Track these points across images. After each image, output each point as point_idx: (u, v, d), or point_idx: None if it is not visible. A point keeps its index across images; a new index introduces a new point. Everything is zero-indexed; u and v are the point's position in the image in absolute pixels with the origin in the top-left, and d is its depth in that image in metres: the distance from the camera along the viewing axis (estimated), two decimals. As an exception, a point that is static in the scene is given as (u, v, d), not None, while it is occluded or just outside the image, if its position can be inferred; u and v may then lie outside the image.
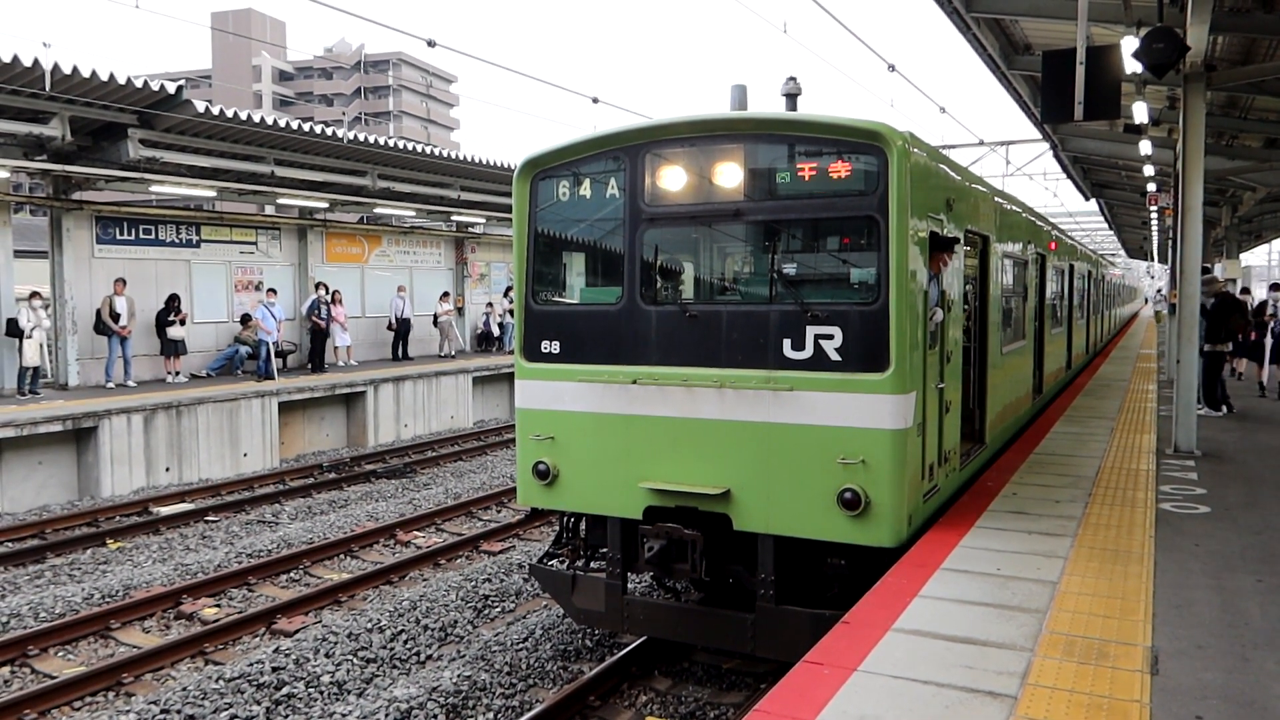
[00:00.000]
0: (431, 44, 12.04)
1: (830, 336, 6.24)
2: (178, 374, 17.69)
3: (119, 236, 17.50)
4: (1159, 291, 56.35)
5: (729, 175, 6.62)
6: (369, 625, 8.55)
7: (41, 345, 15.52)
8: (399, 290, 22.99)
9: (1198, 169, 10.13)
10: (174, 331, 17.51)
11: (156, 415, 14.73)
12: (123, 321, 16.60)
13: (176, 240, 18.58)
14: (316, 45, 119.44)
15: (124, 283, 16.77)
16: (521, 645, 8.12)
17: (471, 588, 9.64)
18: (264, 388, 16.89)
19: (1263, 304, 17.51)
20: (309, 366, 20.20)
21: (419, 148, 20.32)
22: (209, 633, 8.48)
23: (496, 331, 26.20)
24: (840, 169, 6.32)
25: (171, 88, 14.75)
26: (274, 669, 7.59)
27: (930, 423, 6.81)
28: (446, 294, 24.38)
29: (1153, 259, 54.59)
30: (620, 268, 6.96)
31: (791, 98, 7.46)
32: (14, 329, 15.25)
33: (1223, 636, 4.83)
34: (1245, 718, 3.93)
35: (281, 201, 19.80)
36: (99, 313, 16.51)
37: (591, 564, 7.66)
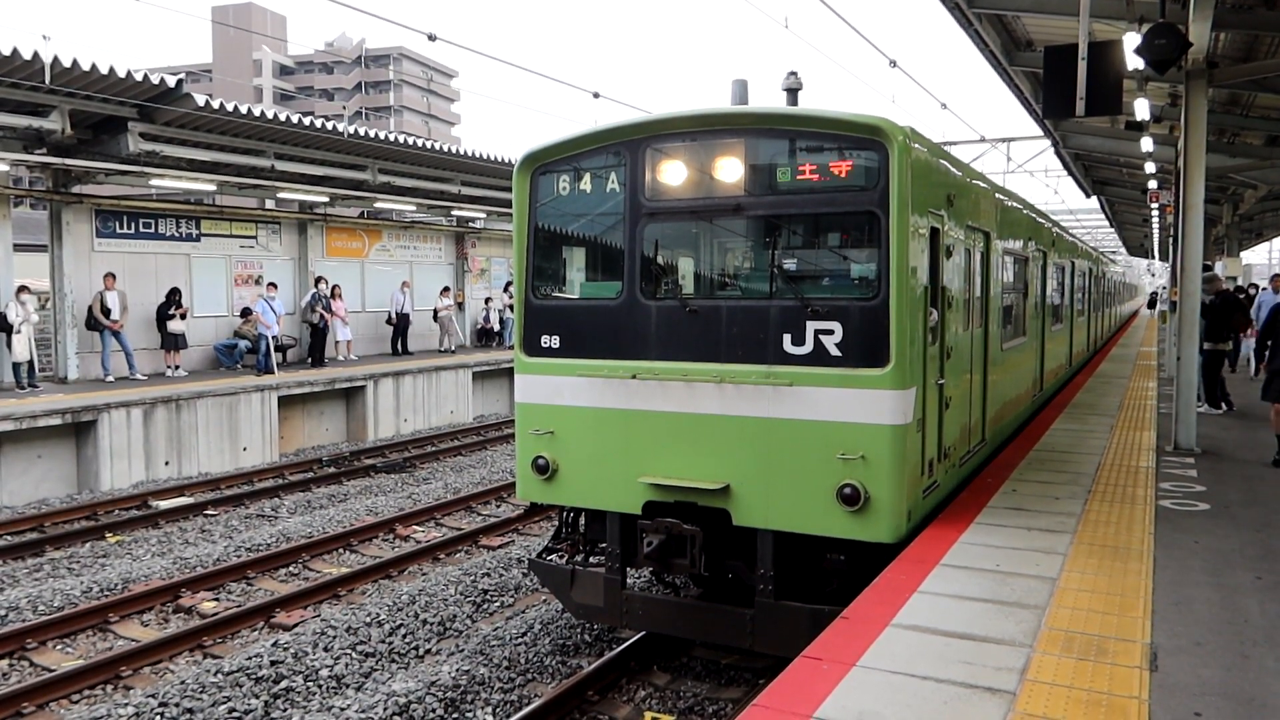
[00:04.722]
0: (432, 38, 12.01)
1: (830, 332, 6.23)
2: (178, 368, 17.69)
3: (119, 230, 17.48)
4: (1158, 292, 56.21)
5: (729, 170, 6.61)
6: (368, 619, 8.55)
7: (30, 340, 15.45)
8: (402, 285, 23.00)
9: (1199, 166, 10.11)
10: (174, 325, 17.50)
11: (156, 409, 14.72)
12: (114, 316, 16.55)
13: (176, 234, 18.56)
14: (317, 39, 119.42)
15: (114, 277, 16.71)
16: (520, 640, 8.12)
17: (470, 582, 9.64)
18: (263, 382, 16.88)
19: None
20: (309, 361, 20.19)
21: (420, 142, 20.31)
22: (207, 626, 8.48)
23: (497, 326, 26.20)
24: (841, 164, 6.30)
25: (172, 81, 14.72)
26: (272, 663, 7.58)
27: (930, 419, 6.80)
28: (447, 289, 24.37)
29: (1153, 256, 54.56)
30: (620, 262, 6.94)
31: (792, 92, 7.46)
32: (3, 324, 15.21)
33: (1222, 634, 4.82)
34: (1244, 715, 3.92)
35: (282, 196, 19.80)
36: (90, 309, 16.45)
37: (590, 559, 7.65)
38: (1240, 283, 23.28)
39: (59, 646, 8.32)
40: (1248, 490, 8.32)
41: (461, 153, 20.94)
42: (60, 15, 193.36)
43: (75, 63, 13.32)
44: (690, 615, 7.13)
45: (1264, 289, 18.22)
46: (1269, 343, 9.86)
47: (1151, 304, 60.83)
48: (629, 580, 7.43)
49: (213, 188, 18.25)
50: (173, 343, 17.61)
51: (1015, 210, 10.32)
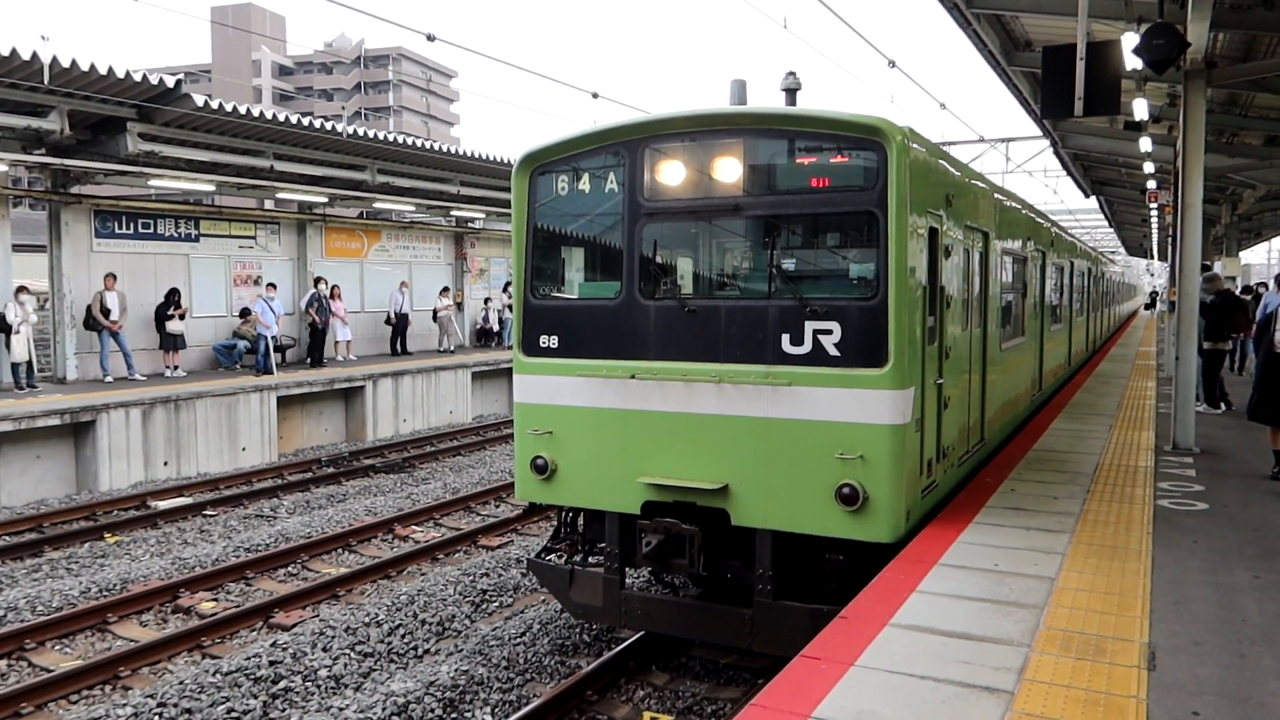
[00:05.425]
0: (431, 38, 12.00)
1: (829, 332, 6.24)
2: (176, 368, 17.68)
3: (118, 230, 17.46)
4: (1157, 292, 56.15)
5: (728, 170, 6.61)
6: (366, 619, 8.55)
7: (29, 340, 15.44)
8: (401, 285, 23.00)
9: (1198, 166, 10.12)
10: (173, 326, 17.49)
11: (155, 409, 14.71)
12: (113, 316, 16.54)
13: (175, 234, 18.55)
14: (317, 40, 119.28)
15: (115, 278, 16.70)
16: (519, 640, 8.12)
17: (469, 582, 9.64)
18: (263, 382, 16.88)
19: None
20: (308, 361, 20.18)
21: (419, 142, 20.31)
22: (206, 627, 8.48)
23: (496, 326, 26.21)
24: (840, 164, 6.31)
25: (171, 82, 14.72)
26: (271, 663, 7.58)
27: (929, 418, 6.80)
28: (446, 289, 24.37)
29: (1152, 256, 54.59)
30: (619, 262, 6.95)
31: (791, 92, 7.46)
32: (1, 324, 15.18)
33: (1220, 633, 4.83)
34: (1242, 714, 3.93)
35: (281, 196, 19.79)
36: (89, 309, 16.43)
37: (589, 559, 7.65)
38: (1241, 282, 23.26)
39: (57, 647, 8.31)
40: (1246, 490, 8.32)
41: (460, 153, 20.95)
42: (60, 15, 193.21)
43: (74, 63, 13.32)
44: (689, 615, 7.13)
45: (1271, 290, 18.11)
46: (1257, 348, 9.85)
47: (1150, 304, 60.79)
48: (628, 580, 7.43)
49: (212, 188, 18.24)
50: (171, 343, 17.60)
51: (1014, 210, 10.32)
